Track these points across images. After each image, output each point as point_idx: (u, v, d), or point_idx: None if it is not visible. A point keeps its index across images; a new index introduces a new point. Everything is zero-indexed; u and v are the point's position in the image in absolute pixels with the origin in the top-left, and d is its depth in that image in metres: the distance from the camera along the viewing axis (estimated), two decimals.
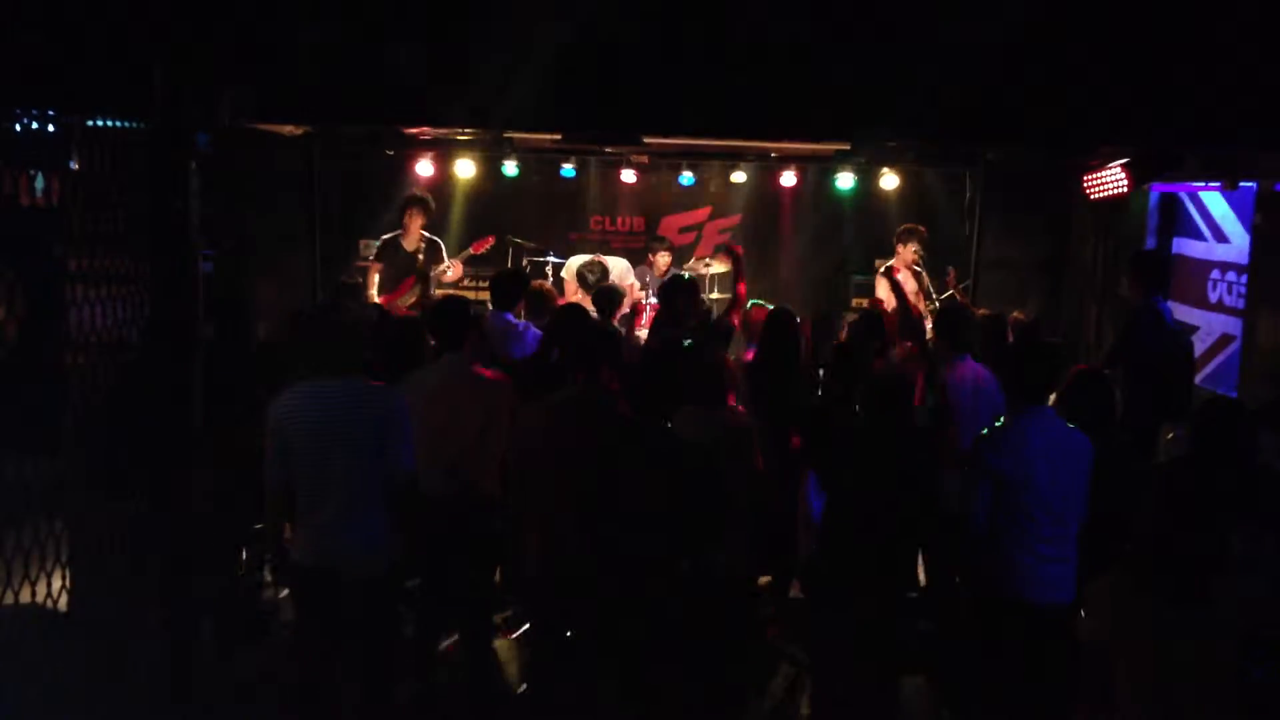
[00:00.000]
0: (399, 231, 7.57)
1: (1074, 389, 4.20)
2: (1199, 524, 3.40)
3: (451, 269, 7.55)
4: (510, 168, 9.37)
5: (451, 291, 8.20)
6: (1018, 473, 3.60)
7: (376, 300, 7.24)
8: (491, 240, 8.02)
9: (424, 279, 7.26)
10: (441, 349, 4.46)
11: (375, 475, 3.48)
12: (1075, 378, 4.30)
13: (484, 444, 4.26)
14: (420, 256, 7.41)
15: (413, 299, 7.32)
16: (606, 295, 6.14)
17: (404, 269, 7.43)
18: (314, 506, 3.50)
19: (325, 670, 3.67)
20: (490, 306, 5.79)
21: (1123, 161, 6.48)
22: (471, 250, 7.79)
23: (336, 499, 3.48)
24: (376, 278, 7.41)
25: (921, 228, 7.49)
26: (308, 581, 3.58)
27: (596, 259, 7.42)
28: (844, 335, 5.79)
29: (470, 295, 8.11)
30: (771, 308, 5.64)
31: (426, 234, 7.59)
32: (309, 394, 3.50)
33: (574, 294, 7.15)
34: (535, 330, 5.59)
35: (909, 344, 5.25)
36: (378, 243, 7.88)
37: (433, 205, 7.72)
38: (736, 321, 5.61)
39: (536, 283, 6.08)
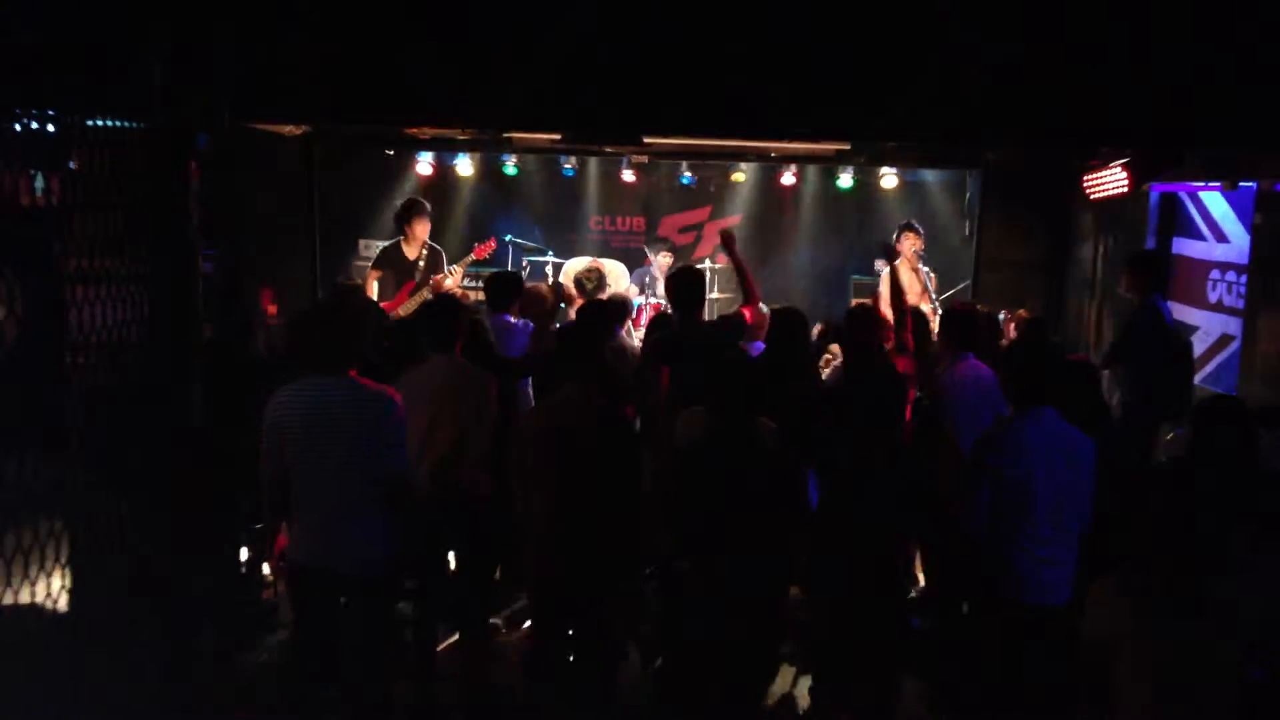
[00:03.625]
0: (400, 239, 7.42)
1: (1071, 386, 4.18)
2: (1199, 525, 3.39)
3: (451, 277, 7.38)
4: (510, 168, 9.39)
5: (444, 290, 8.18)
6: (1016, 474, 3.59)
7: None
8: (493, 244, 7.98)
9: (421, 287, 7.15)
10: (432, 348, 4.46)
11: (370, 475, 3.48)
12: (1066, 373, 4.28)
13: (473, 441, 4.27)
14: (421, 264, 7.33)
15: (414, 307, 7.27)
16: (621, 306, 6.16)
17: (404, 276, 7.33)
18: (309, 505, 3.50)
19: (324, 669, 3.67)
20: (487, 307, 5.79)
21: (1123, 161, 6.48)
22: (474, 255, 7.72)
23: (331, 498, 3.48)
24: (375, 285, 7.29)
25: (913, 222, 7.49)
26: (304, 580, 3.59)
27: (594, 266, 7.37)
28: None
29: (471, 295, 8.07)
30: (764, 308, 5.63)
31: (430, 242, 7.47)
32: (305, 392, 3.51)
33: (574, 300, 7.15)
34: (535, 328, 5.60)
35: (905, 338, 5.23)
36: (379, 247, 7.82)
37: (430, 213, 7.55)
38: (749, 317, 5.43)
39: (530, 286, 6.07)
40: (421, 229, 7.33)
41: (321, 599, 3.56)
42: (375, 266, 7.42)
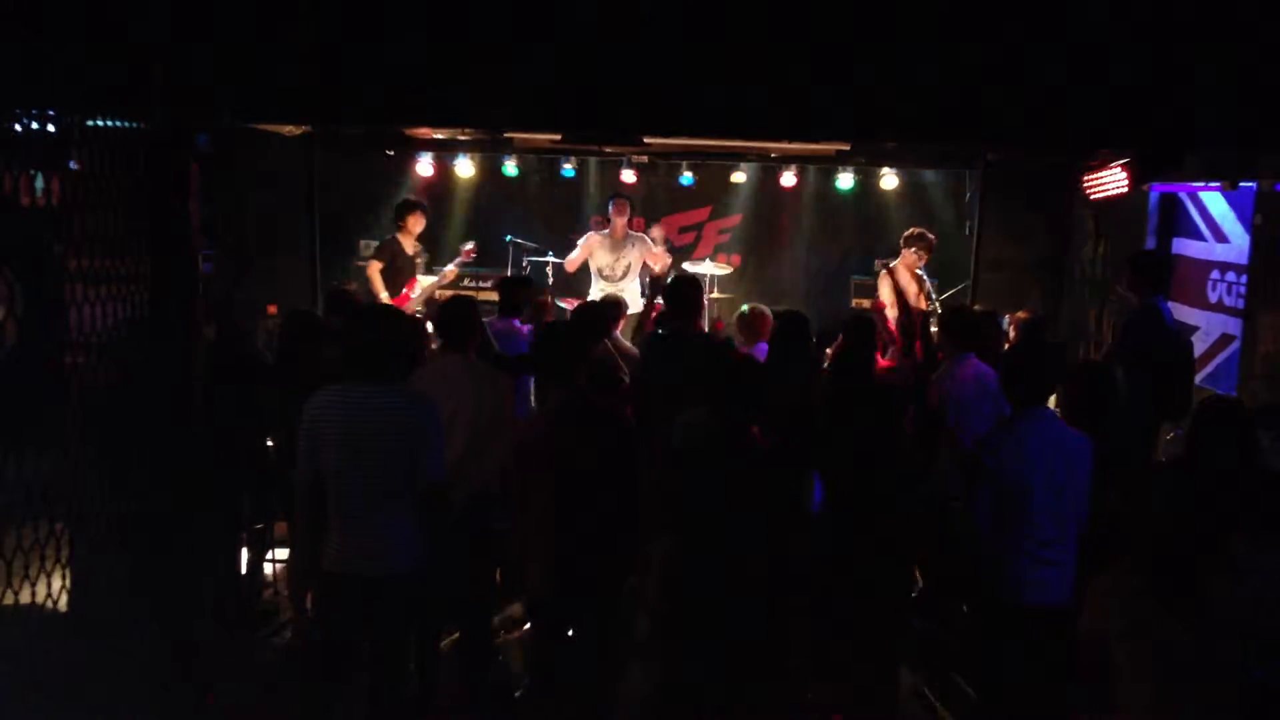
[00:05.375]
0: (397, 233, 7.63)
1: (1076, 383, 4.19)
2: (1199, 524, 3.40)
3: (446, 274, 7.66)
4: (510, 168, 9.40)
5: (457, 292, 8.29)
6: (1016, 476, 3.59)
7: (387, 301, 7.30)
8: (474, 248, 8.03)
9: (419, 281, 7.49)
10: (445, 348, 4.46)
11: (406, 483, 3.47)
12: (1078, 372, 4.29)
13: (488, 443, 4.27)
14: (419, 260, 7.62)
15: (424, 298, 7.47)
16: (614, 307, 6.18)
17: (405, 271, 7.52)
18: (343, 511, 3.49)
19: (336, 669, 3.66)
20: (498, 310, 5.83)
21: (1123, 161, 6.48)
22: (463, 257, 7.88)
23: (365, 505, 3.46)
24: (379, 278, 7.47)
25: (931, 235, 7.35)
26: (335, 583, 3.57)
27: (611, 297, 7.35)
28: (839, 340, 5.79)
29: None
30: (757, 308, 5.63)
31: (419, 241, 7.78)
32: (342, 397, 3.48)
33: None
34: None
35: (901, 344, 5.25)
36: (376, 242, 7.95)
37: (428, 210, 7.87)
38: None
39: (541, 299, 6.20)
40: (416, 224, 7.59)
41: (350, 602, 3.54)
42: (375, 258, 7.58)
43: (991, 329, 5.63)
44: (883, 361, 5.49)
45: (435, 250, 9.20)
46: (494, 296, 6.80)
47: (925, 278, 7.34)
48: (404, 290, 7.49)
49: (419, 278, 7.74)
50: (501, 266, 9.09)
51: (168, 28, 3.41)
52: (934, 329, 5.88)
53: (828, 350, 5.88)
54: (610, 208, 7.87)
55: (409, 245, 7.59)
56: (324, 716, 3.67)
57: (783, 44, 4.87)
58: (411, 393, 3.58)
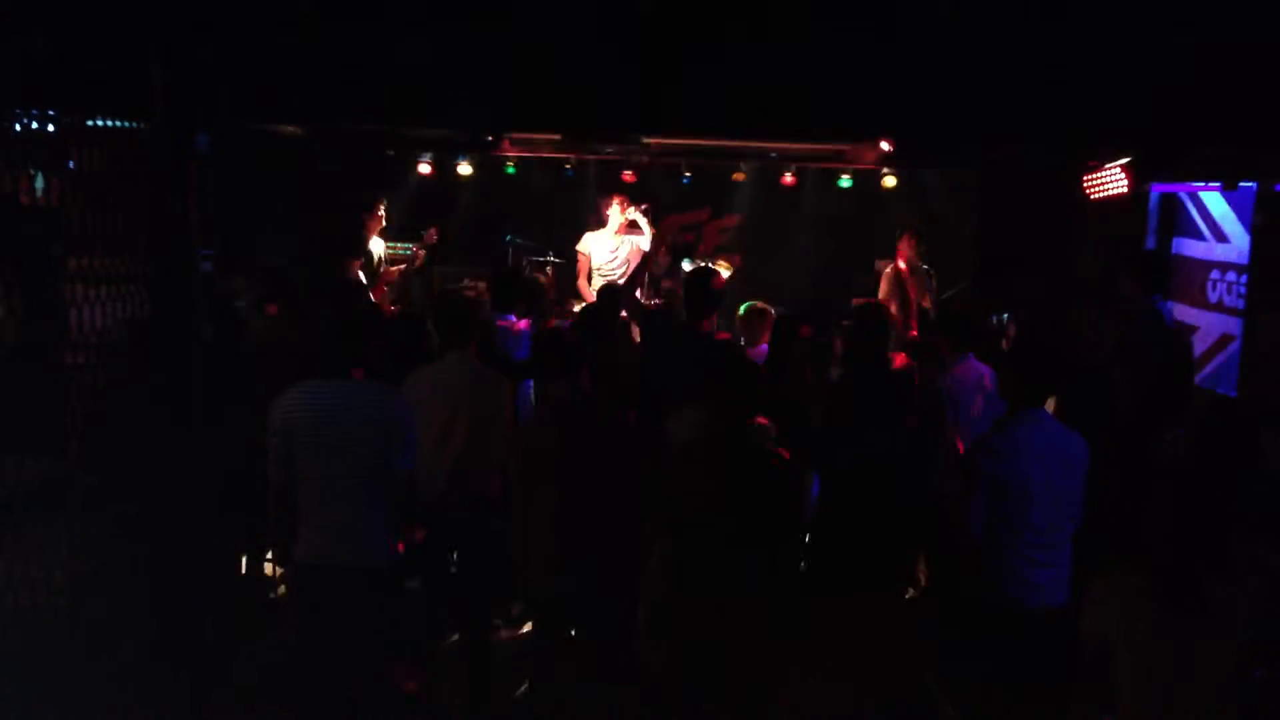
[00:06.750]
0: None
1: (1075, 384, 4.19)
2: (1200, 526, 3.39)
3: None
4: (510, 168, 9.40)
5: (456, 288, 8.30)
6: (1012, 478, 3.58)
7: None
8: (435, 231, 8.14)
9: (382, 279, 7.68)
10: (446, 346, 4.46)
11: (379, 475, 3.48)
12: (1077, 372, 4.29)
13: (488, 443, 4.26)
14: (376, 258, 7.70)
15: (390, 297, 7.64)
16: (614, 302, 6.16)
17: (371, 267, 7.62)
18: (317, 505, 3.50)
19: (326, 669, 3.66)
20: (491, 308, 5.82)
21: (1123, 161, 6.48)
22: (426, 241, 8.01)
23: (340, 498, 3.48)
24: (361, 275, 7.50)
25: (914, 226, 7.43)
26: (311, 579, 3.58)
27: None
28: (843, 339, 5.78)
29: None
30: (757, 308, 5.62)
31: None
32: (313, 393, 3.50)
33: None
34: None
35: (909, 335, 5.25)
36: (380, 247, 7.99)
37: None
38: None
39: (535, 275, 6.13)
40: (375, 229, 7.76)
41: (329, 596, 3.55)
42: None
43: (991, 329, 5.63)
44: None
45: (437, 252, 9.16)
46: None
47: (925, 275, 7.35)
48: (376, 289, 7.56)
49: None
50: (488, 264, 9.08)
51: (168, 28, 3.41)
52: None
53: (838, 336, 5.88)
54: (605, 205, 7.88)
55: (371, 243, 7.68)
56: (318, 714, 3.67)
57: (783, 45, 4.88)
58: (381, 386, 3.60)
